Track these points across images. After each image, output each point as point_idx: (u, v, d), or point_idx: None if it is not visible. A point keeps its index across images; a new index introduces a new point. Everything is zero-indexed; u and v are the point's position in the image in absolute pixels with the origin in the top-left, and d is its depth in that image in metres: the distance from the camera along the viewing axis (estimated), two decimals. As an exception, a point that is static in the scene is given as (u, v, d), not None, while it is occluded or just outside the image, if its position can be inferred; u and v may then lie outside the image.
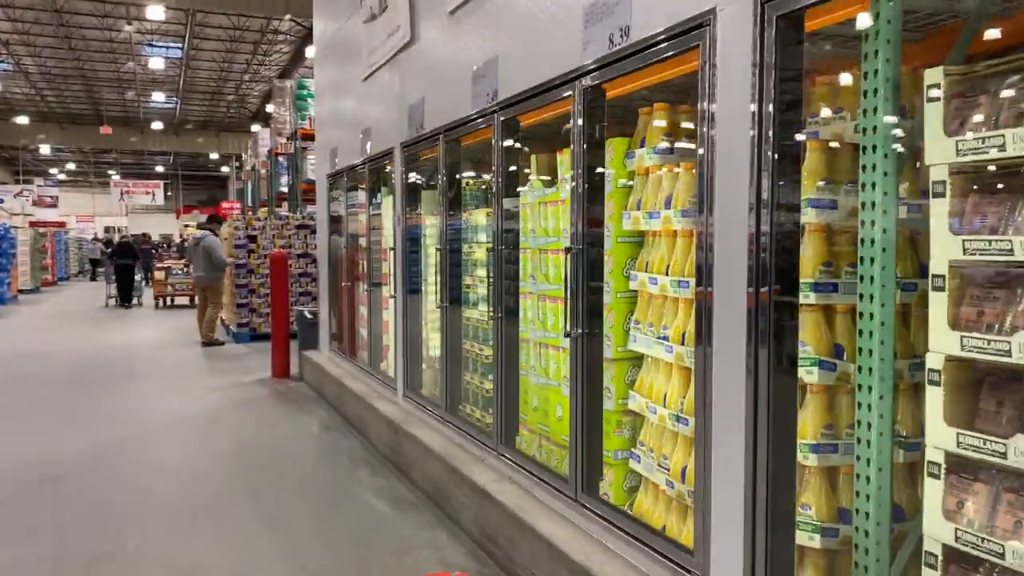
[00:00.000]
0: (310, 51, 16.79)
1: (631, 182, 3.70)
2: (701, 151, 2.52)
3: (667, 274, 3.38)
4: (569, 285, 3.34)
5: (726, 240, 2.43)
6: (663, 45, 2.73)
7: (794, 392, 2.39)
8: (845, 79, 2.84)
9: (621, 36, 2.94)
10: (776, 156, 2.25)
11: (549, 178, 4.31)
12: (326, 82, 9.01)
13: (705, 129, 2.50)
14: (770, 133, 2.25)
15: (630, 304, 3.73)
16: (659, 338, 3.45)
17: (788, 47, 2.24)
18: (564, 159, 4.11)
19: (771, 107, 2.25)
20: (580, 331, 3.30)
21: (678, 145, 3.45)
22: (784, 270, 2.29)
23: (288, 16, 20.08)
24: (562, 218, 4.14)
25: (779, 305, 2.30)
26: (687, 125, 3.58)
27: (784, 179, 2.27)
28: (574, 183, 3.31)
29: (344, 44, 7.73)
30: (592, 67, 3.17)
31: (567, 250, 3.30)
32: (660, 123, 3.54)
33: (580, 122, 3.28)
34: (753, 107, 2.29)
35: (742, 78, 2.34)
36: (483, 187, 5.38)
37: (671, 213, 3.34)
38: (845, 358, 2.72)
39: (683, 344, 3.27)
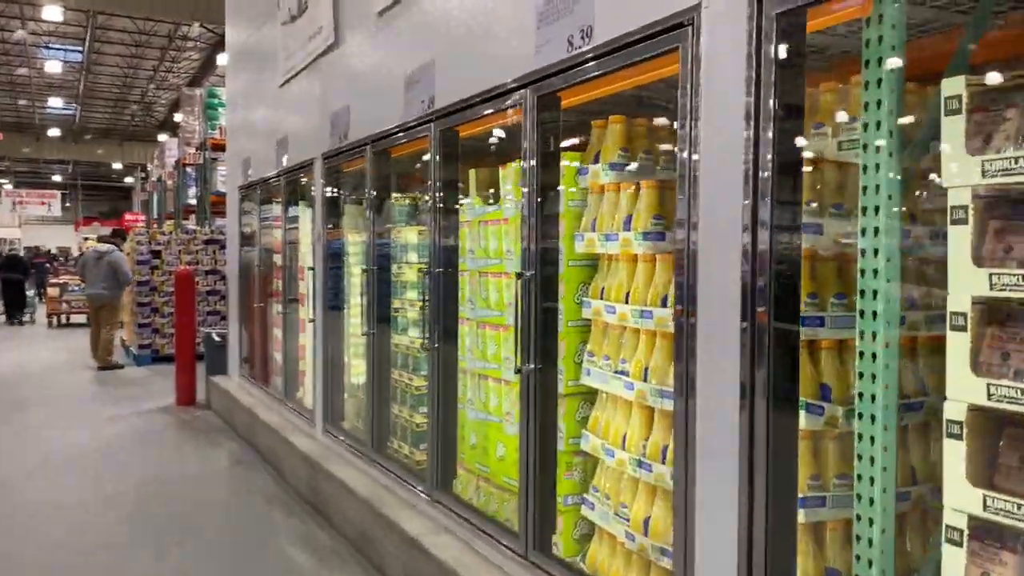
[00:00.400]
0: (221, 59, 16.08)
1: (583, 201, 3.37)
2: (683, 165, 2.20)
3: (627, 302, 3.06)
4: (521, 314, 2.97)
5: (713, 265, 2.11)
6: (634, 48, 2.41)
7: (796, 439, 2.09)
8: (823, 90, 2.60)
9: (583, 38, 2.61)
10: (776, 172, 1.94)
11: (496, 192, 3.94)
12: (239, 89, 8.47)
13: (687, 142, 2.18)
14: (769, 151, 1.95)
15: (582, 334, 3.39)
16: (617, 372, 3.12)
17: (790, 50, 1.94)
18: (508, 174, 3.76)
19: (769, 120, 1.95)
20: (533, 366, 2.93)
21: (643, 161, 3.15)
22: (783, 298, 1.98)
23: (198, 23, 19.20)
24: (505, 239, 3.78)
25: (780, 338, 1.99)
26: (653, 139, 3.29)
27: (783, 198, 1.97)
28: (526, 200, 2.96)
29: (259, 50, 7.25)
30: (546, 72, 2.83)
31: (519, 275, 2.94)
32: (616, 137, 3.22)
33: (532, 134, 2.93)
34: (747, 132, 1.98)
35: (732, 87, 2.03)
36: (414, 203, 4.98)
37: (631, 235, 3.02)
38: (833, 400, 2.44)
39: (646, 380, 2.95)
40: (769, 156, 1.94)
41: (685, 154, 2.18)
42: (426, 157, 4.05)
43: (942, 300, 2.33)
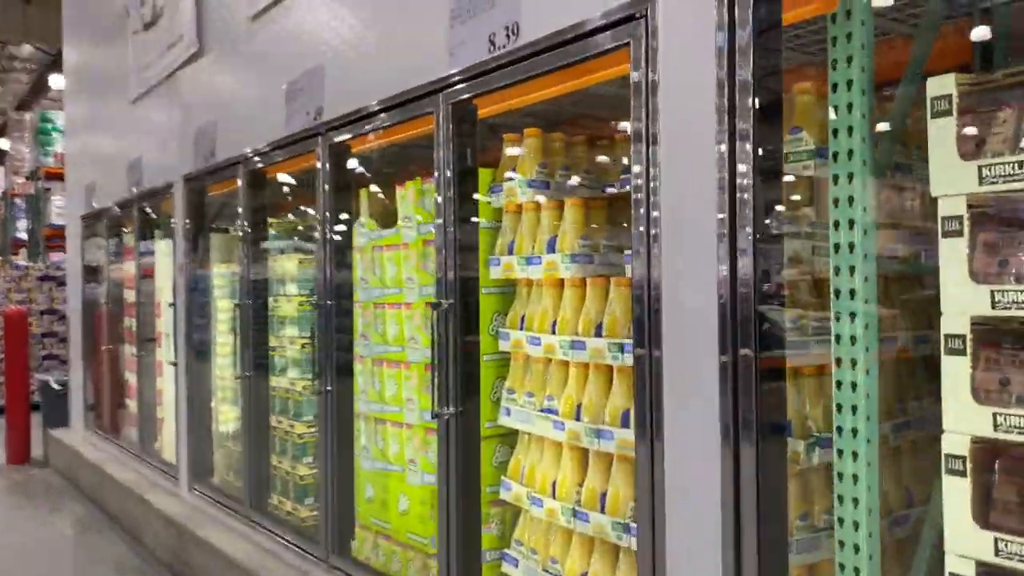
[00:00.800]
0: (56, 80, 14.75)
1: (497, 222, 3.06)
2: (638, 176, 1.93)
3: (554, 332, 2.76)
4: (438, 349, 2.60)
5: (682, 291, 1.84)
6: (571, 46, 2.13)
7: (786, 483, 1.83)
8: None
9: (508, 36, 2.32)
10: (758, 181, 1.70)
11: (392, 214, 3.55)
12: (81, 112, 7.72)
13: (643, 150, 1.92)
14: (746, 159, 1.71)
15: (499, 369, 3.06)
16: (543, 411, 2.80)
17: (766, 43, 1.72)
18: (407, 193, 3.39)
19: (748, 120, 1.71)
20: (453, 410, 2.57)
21: (563, 177, 2.88)
22: (767, 325, 1.74)
23: (28, 44, 17.61)
24: (404, 265, 3.41)
25: (766, 370, 1.74)
26: (572, 154, 3.03)
27: (765, 210, 1.73)
28: (441, 221, 2.60)
29: (104, 66, 6.61)
30: (462, 77, 2.51)
31: (434, 306, 2.57)
32: (533, 151, 2.94)
33: (447, 147, 2.59)
34: (721, 146, 1.74)
35: (699, 84, 1.79)
36: (295, 228, 4.51)
37: (557, 258, 2.73)
38: (793, 434, 2.22)
39: (579, 419, 2.65)
40: (744, 166, 1.70)
41: (640, 166, 1.91)
42: (312, 176, 3.63)
43: (918, 321, 2.20)
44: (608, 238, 2.81)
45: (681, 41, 1.84)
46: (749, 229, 1.70)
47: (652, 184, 1.88)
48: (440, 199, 2.59)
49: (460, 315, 2.56)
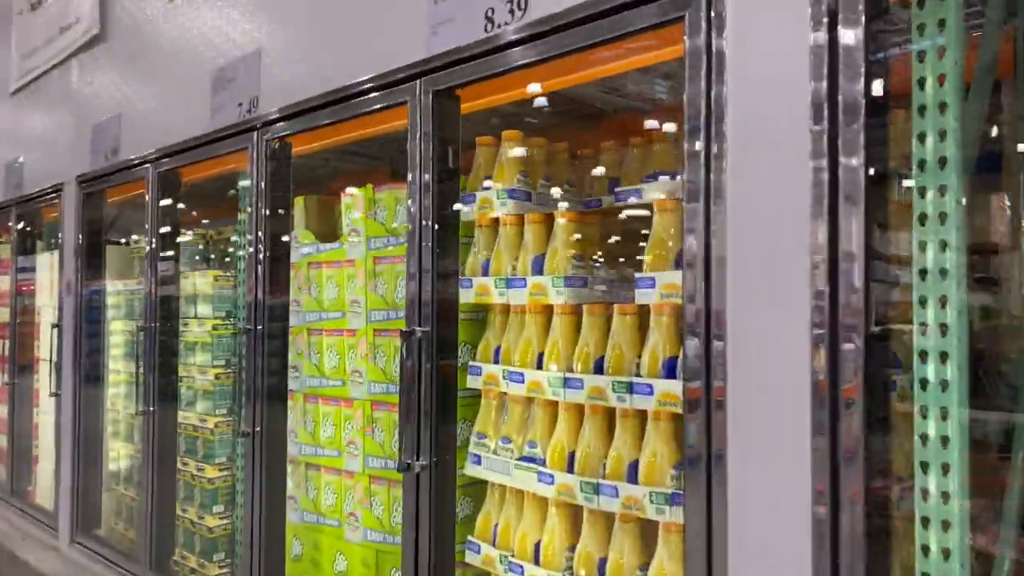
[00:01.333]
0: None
1: (467, 237, 2.64)
2: (691, 181, 1.55)
3: (541, 367, 2.35)
4: (407, 387, 2.15)
5: (753, 322, 1.47)
6: (603, 22, 1.74)
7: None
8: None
9: (511, 10, 1.91)
10: (866, 185, 1.36)
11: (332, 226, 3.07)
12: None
13: (701, 149, 1.55)
14: (854, 155, 1.36)
15: (466, 409, 2.62)
16: (523, 459, 2.38)
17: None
18: (355, 202, 2.93)
19: (854, 110, 1.36)
20: (426, 461, 2.11)
21: (543, 188, 2.49)
22: (875, 370, 1.38)
23: None
24: (349, 286, 2.94)
25: (873, 425, 1.38)
26: (554, 162, 2.65)
27: (877, 221, 1.38)
28: (415, 230, 2.16)
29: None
30: (452, 59, 2.08)
31: (406, 334, 2.11)
32: (514, 157, 2.54)
33: (427, 142, 2.16)
34: (817, 128, 1.39)
35: (786, 66, 1.44)
36: (209, 240, 3.95)
37: (546, 281, 2.33)
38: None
39: (572, 471, 2.24)
40: (855, 158, 1.35)
41: (700, 173, 1.54)
42: (235, 182, 3.12)
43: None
44: (602, 259, 2.43)
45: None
46: (855, 246, 1.35)
47: (712, 189, 1.51)
48: (414, 207, 2.15)
49: (436, 344, 2.11)
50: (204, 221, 3.90)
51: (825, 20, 1.41)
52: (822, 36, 1.41)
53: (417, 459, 2.11)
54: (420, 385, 2.11)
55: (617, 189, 2.35)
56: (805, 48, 1.41)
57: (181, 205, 3.51)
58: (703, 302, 1.52)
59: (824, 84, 1.37)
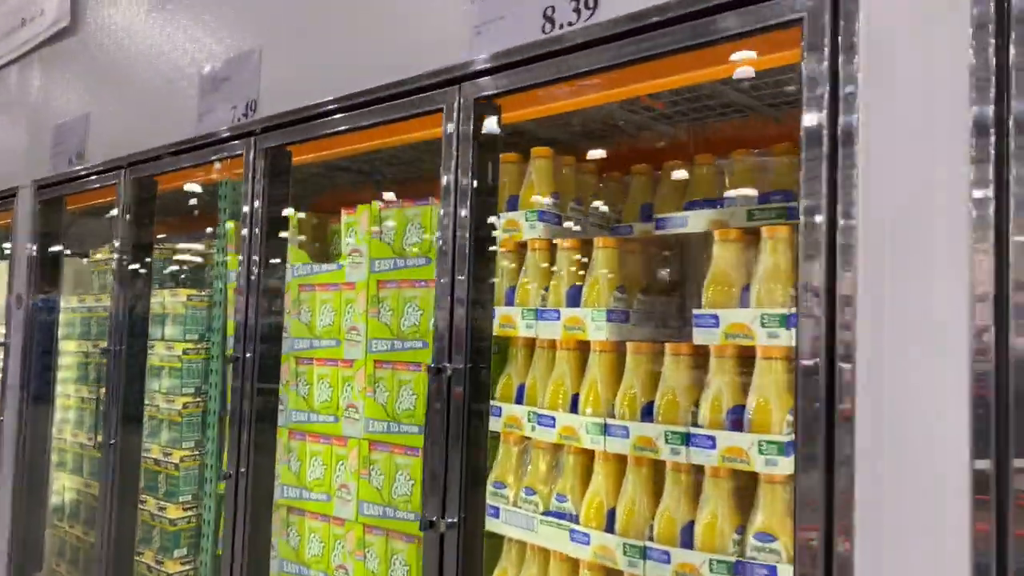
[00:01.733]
0: None
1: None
2: (811, 197, 1.33)
3: (575, 411, 2.10)
4: (434, 431, 1.87)
5: (884, 371, 1.25)
6: (697, 23, 1.52)
7: None
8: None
9: (578, 9, 1.69)
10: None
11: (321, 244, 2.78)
12: None
13: (821, 151, 1.33)
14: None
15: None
16: (551, 514, 2.12)
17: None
18: (357, 220, 2.66)
19: None
20: (455, 518, 1.83)
21: (575, 212, 2.26)
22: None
23: None
24: (348, 311, 2.66)
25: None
26: (582, 184, 2.42)
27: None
28: (449, 252, 1.89)
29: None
30: (493, 65, 1.84)
31: (435, 370, 1.84)
32: (545, 176, 2.31)
33: (466, 155, 1.91)
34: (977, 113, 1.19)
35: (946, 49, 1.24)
36: (179, 256, 3.62)
37: (584, 314, 2.09)
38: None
39: (613, 531, 1.99)
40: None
41: (819, 182, 1.32)
42: (222, 189, 2.83)
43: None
44: (644, 291, 2.21)
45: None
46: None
47: (841, 210, 1.30)
48: (449, 224, 1.89)
49: (470, 381, 1.84)
50: (159, 235, 3.58)
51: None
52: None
53: (443, 516, 1.83)
54: (449, 430, 1.84)
55: (660, 217, 2.13)
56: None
57: (159, 214, 3.18)
58: (823, 338, 1.30)
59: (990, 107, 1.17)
